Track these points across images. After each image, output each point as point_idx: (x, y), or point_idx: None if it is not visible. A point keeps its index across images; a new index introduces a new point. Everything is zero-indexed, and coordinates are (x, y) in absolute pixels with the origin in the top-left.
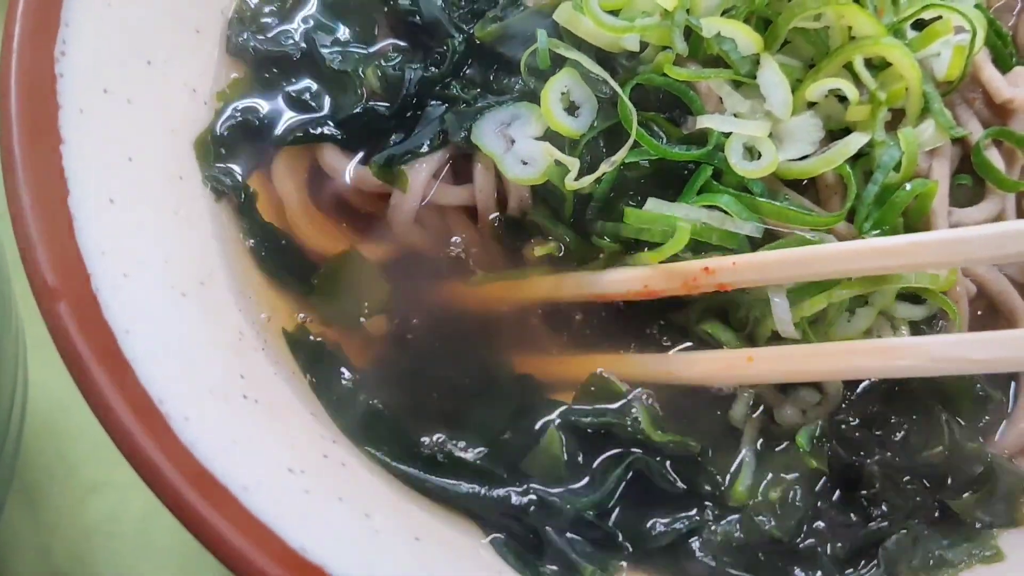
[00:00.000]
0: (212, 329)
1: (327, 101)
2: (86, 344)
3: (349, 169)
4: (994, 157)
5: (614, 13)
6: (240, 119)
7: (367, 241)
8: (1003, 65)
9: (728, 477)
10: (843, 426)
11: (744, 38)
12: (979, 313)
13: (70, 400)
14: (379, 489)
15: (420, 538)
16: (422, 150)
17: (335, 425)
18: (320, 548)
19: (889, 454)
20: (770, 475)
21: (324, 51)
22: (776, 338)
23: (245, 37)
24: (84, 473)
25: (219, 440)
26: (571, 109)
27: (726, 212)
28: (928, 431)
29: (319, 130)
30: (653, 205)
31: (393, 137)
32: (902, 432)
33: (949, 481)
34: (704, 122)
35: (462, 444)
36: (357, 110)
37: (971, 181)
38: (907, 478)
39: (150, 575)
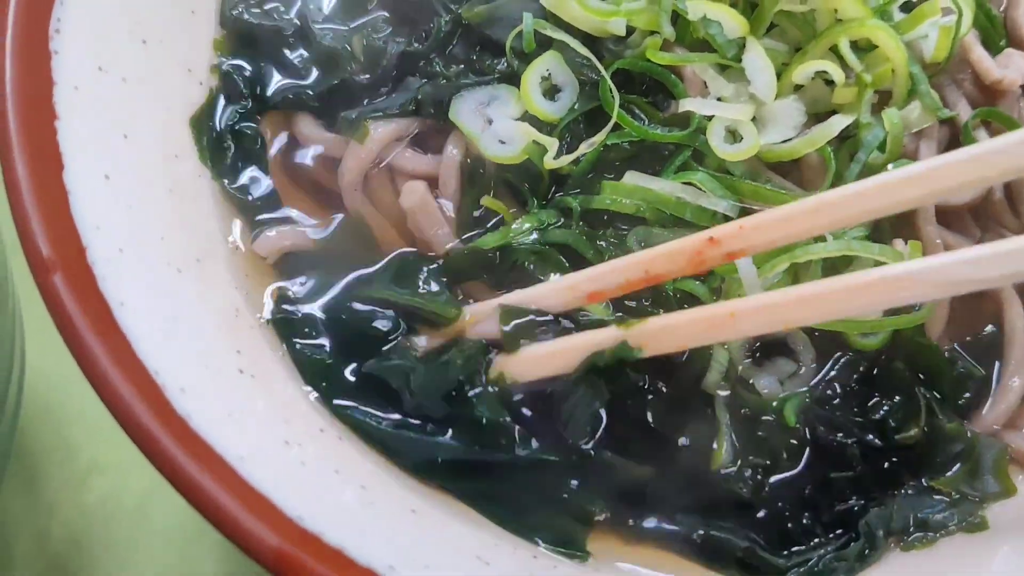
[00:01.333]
0: (208, 305)
1: (314, 74)
2: (81, 315)
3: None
4: (982, 138)
5: None
6: (233, 94)
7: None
8: (992, 47)
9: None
10: (823, 406)
11: (730, 21)
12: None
13: (69, 384)
14: (376, 463)
15: (416, 511)
16: (391, 111)
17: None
18: (317, 518)
19: (869, 436)
20: (749, 445)
21: (316, 27)
22: None
23: (239, 10)
24: (82, 456)
25: (215, 411)
26: (552, 92)
27: (702, 190)
28: (907, 412)
29: (298, 98)
30: (631, 178)
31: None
32: (881, 413)
33: (933, 460)
34: (686, 105)
35: None
36: (335, 81)
37: None
38: (886, 462)
39: (149, 557)
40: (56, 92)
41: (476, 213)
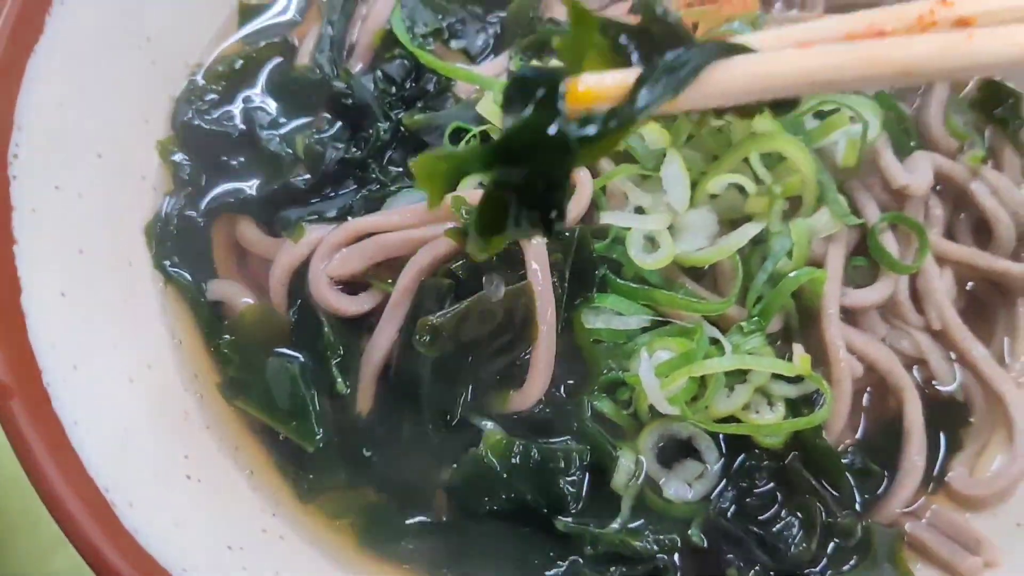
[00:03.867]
0: (158, 412)
1: (258, 178)
2: (37, 438)
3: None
4: (888, 241)
5: None
6: (184, 199)
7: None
8: (902, 150)
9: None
10: (723, 518)
11: (652, 134)
12: (868, 389)
13: None
14: (316, 561)
15: None
16: (327, 214)
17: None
18: None
19: (762, 553)
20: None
21: (262, 132)
22: (657, 413)
23: (189, 116)
24: (49, 528)
25: (161, 524)
26: None
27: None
28: (805, 522)
29: (242, 202)
30: None
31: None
32: (779, 525)
33: (832, 557)
34: (606, 219)
35: None
36: (276, 186)
37: (867, 263)
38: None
39: None
40: (15, 217)
41: None
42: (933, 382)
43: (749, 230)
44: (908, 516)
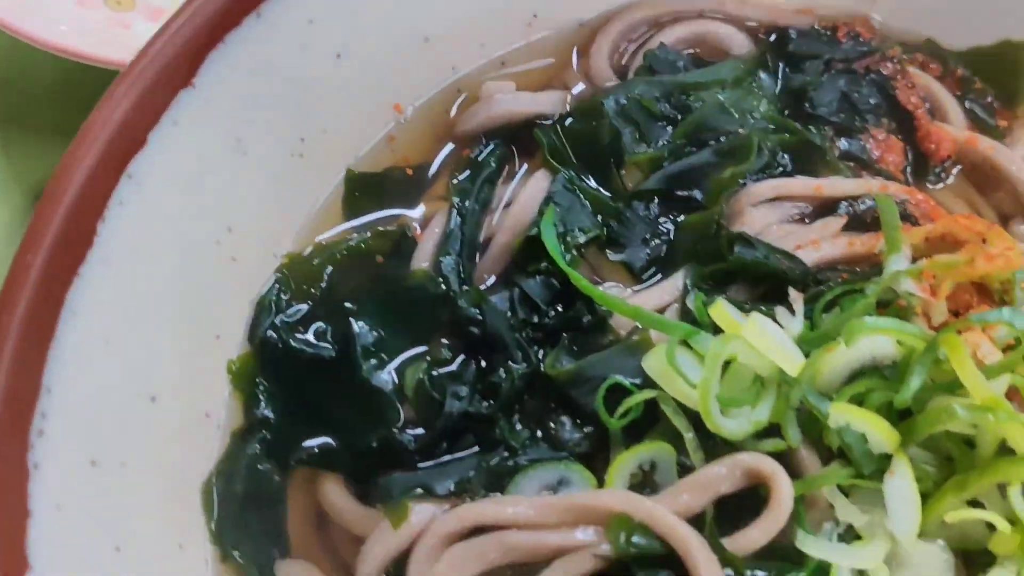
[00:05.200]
0: None
1: (352, 423)
2: None
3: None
4: None
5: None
6: (258, 446)
7: None
8: None
9: None
10: None
11: (877, 435)
12: None
13: None
14: None
15: None
16: (439, 491)
17: None
18: None
19: None
20: None
21: (363, 361)
22: None
23: (273, 329)
24: None
25: None
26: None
27: None
28: None
29: (329, 456)
30: None
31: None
32: None
33: None
34: (805, 547)
35: None
36: (375, 441)
37: None
38: None
39: None
40: (31, 528)
41: None
42: None
43: None
44: None
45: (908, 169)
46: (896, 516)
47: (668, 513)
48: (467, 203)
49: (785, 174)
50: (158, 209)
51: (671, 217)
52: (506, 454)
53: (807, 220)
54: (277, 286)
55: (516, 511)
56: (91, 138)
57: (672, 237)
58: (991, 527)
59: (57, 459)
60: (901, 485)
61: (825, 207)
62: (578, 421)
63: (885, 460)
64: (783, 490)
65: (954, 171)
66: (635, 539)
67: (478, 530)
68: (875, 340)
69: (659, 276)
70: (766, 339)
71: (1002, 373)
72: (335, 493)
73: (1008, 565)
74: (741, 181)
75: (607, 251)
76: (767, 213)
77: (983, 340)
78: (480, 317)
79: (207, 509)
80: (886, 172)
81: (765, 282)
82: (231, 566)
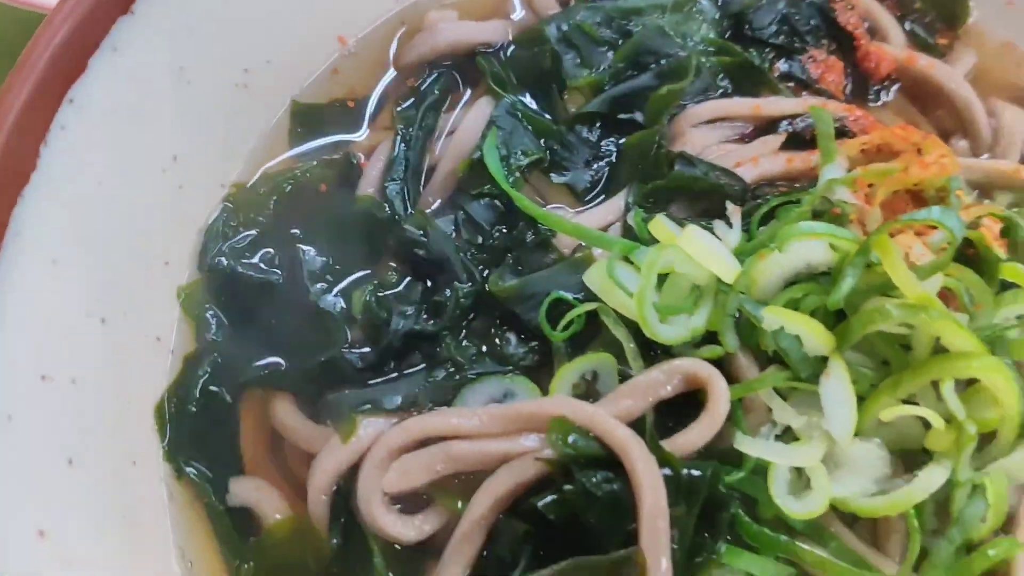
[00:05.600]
0: None
1: (302, 343)
2: None
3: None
4: None
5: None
6: (208, 368)
7: None
8: None
9: None
10: None
11: (812, 338)
12: None
13: None
14: None
15: None
16: (386, 405)
17: None
18: None
19: None
20: None
21: (312, 284)
22: None
23: (221, 256)
24: None
25: None
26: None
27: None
28: None
29: (279, 376)
30: None
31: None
32: None
33: None
34: (743, 447)
35: None
36: (324, 358)
37: None
38: None
39: None
40: None
41: None
42: None
43: (935, 478)
44: None
45: (848, 88)
46: (832, 417)
47: (607, 416)
48: (411, 131)
49: (725, 96)
50: (101, 135)
51: (613, 140)
52: (452, 370)
53: (747, 140)
54: (225, 215)
55: (461, 422)
56: (31, 62)
57: (614, 159)
58: (927, 426)
59: (5, 371)
60: (837, 386)
61: (765, 127)
62: (523, 336)
63: (821, 364)
64: (719, 392)
65: (894, 89)
66: (574, 440)
67: (426, 443)
68: (809, 246)
69: (602, 197)
70: (701, 249)
71: (934, 273)
72: (286, 412)
73: (943, 462)
74: (682, 102)
75: (551, 175)
76: (707, 134)
77: (915, 242)
78: (425, 239)
79: (160, 429)
80: (827, 92)
81: (705, 198)
82: (185, 483)
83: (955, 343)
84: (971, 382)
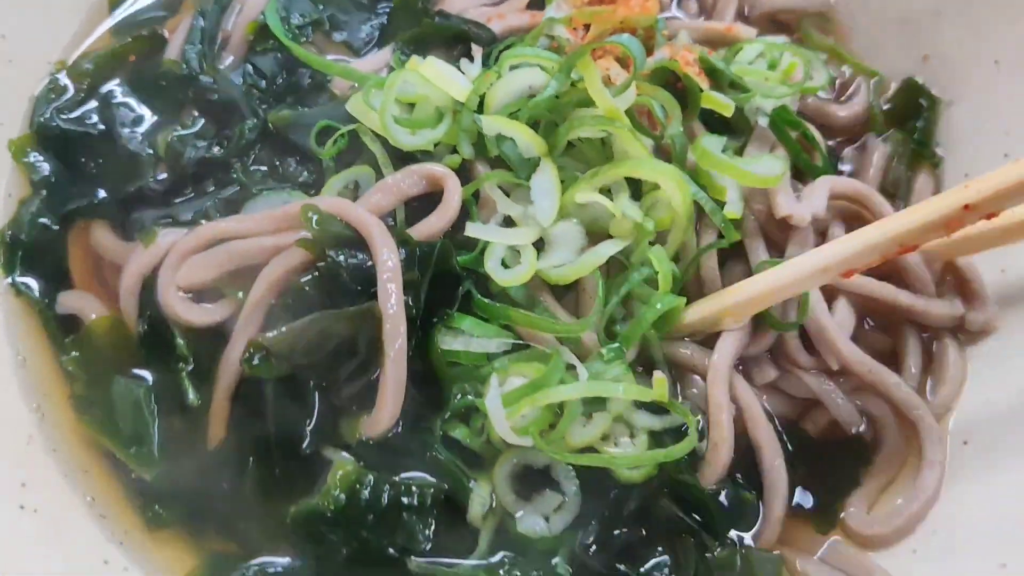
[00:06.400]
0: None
1: (118, 180)
2: None
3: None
4: None
5: (411, 104)
6: (38, 204)
7: None
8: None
9: None
10: (587, 555)
11: (525, 140)
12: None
13: None
14: None
15: None
16: (183, 218)
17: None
18: None
19: None
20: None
21: (123, 131)
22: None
23: (48, 115)
24: None
25: None
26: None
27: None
28: (674, 558)
29: (97, 206)
30: None
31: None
32: (649, 565)
33: None
34: (470, 231)
35: None
36: (132, 188)
37: None
38: None
39: None
40: None
41: None
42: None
43: (607, 248)
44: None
45: None
46: (539, 205)
47: (352, 204)
48: (208, 6)
49: None
50: None
51: (386, 3)
52: (238, 189)
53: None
54: (51, 85)
55: (240, 225)
56: None
57: (386, 20)
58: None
59: None
60: (543, 180)
61: None
62: (299, 159)
63: (537, 165)
64: (452, 187)
65: None
66: (324, 223)
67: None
68: (529, 72)
69: (376, 50)
70: (438, 74)
71: (623, 91)
72: (101, 234)
73: (618, 242)
74: None
75: (332, 35)
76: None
77: (614, 66)
78: (215, 86)
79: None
80: None
81: (458, 45)
82: (23, 299)
83: (631, 150)
84: (656, 188)
